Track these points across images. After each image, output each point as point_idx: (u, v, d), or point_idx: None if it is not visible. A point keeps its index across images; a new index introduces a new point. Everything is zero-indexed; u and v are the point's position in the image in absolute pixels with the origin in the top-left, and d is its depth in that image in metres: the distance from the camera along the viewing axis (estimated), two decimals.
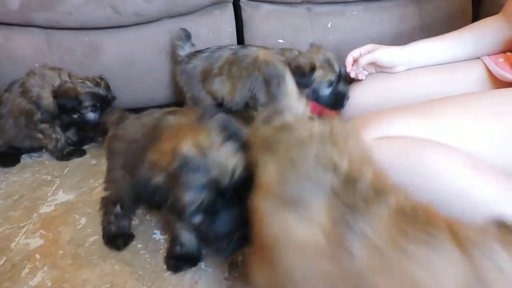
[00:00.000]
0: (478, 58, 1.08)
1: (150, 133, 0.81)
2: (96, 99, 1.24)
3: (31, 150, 1.38)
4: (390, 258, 0.42)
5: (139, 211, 1.02)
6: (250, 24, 1.46)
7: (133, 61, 1.44)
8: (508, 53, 1.02)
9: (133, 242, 0.93)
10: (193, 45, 1.34)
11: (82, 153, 1.35)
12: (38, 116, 1.27)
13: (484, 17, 1.09)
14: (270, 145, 0.56)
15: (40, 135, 1.30)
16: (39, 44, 1.39)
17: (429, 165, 0.82)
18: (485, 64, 1.03)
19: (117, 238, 0.93)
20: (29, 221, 1.03)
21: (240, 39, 1.48)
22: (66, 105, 1.22)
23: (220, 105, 1.29)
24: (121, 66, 1.44)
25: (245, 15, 1.46)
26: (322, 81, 1.17)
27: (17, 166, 1.32)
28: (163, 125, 0.79)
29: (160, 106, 0.98)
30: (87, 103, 1.23)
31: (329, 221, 0.47)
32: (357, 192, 0.48)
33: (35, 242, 0.95)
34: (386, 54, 1.15)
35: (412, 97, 1.06)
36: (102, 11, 1.32)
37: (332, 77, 1.16)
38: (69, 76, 1.27)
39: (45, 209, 1.08)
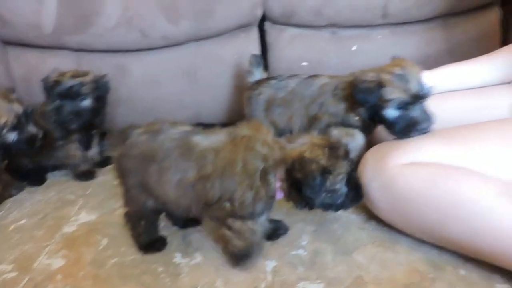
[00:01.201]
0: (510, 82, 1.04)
1: (179, 153, 0.83)
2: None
3: (55, 168, 1.39)
4: None
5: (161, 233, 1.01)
6: (274, 47, 1.47)
7: (157, 83, 1.47)
8: None
9: (153, 266, 0.92)
10: (265, 70, 1.31)
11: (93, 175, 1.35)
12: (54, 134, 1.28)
13: None
14: None
15: (60, 154, 1.32)
16: (70, 66, 1.42)
17: (462, 194, 0.78)
18: None
19: (153, 244, 0.97)
20: (52, 241, 1.03)
21: (265, 62, 1.49)
22: None
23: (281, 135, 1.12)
24: (146, 88, 1.47)
25: (269, 38, 1.47)
26: (387, 99, 0.98)
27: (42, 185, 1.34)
28: (196, 145, 0.83)
29: None
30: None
31: None
32: None
33: (57, 262, 0.95)
34: None
35: (439, 122, 1.03)
36: (131, 35, 1.36)
37: (402, 96, 0.96)
38: None
39: (68, 228, 1.08)
